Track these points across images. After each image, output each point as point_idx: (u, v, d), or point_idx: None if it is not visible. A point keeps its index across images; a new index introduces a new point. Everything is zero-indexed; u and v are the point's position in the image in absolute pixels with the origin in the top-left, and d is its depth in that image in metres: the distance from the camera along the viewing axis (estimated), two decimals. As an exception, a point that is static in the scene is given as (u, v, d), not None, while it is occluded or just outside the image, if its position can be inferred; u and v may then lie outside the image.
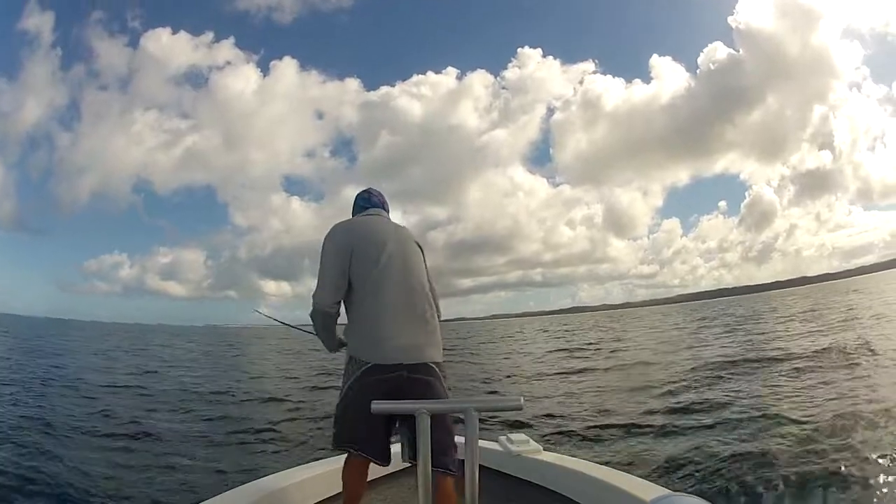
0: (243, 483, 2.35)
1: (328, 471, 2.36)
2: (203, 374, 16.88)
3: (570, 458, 2.75)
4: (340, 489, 2.19)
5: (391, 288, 2.05)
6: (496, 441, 2.84)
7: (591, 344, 23.35)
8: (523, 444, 2.73)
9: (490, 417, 7.14)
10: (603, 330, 36.61)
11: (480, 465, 1.52)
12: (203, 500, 2.09)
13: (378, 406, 1.76)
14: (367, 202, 2.32)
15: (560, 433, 7.04)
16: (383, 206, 2.33)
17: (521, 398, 1.48)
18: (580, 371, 13.77)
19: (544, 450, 2.74)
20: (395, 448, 2.02)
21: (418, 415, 1.48)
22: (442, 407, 1.64)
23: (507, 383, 13.23)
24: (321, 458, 2.68)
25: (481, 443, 2.14)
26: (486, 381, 13.47)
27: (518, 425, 6.92)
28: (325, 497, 2.33)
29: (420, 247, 2.22)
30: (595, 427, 7.25)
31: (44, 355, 21.17)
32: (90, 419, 8.19)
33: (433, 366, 2.02)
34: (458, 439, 1.92)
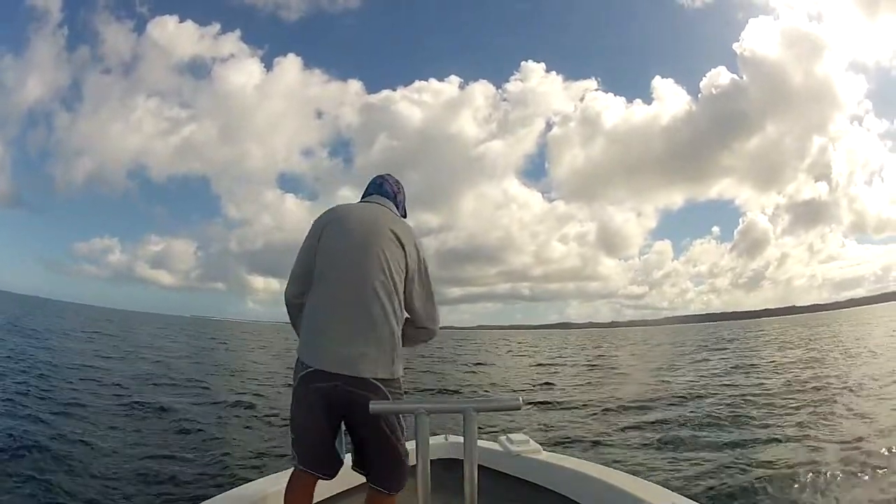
0: (242, 483, 2.34)
1: None
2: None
3: (570, 458, 2.74)
4: (340, 490, 2.19)
5: (337, 282, 1.78)
6: (496, 441, 2.83)
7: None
8: (523, 444, 2.72)
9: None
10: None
11: (480, 465, 1.52)
12: (202, 501, 2.08)
13: (376, 406, 1.76)
14: (377, 188, 2.05)
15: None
16: (393, 195, 2.04)
17: (520, 398, 1.48)
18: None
19: (544, 450, 2.73)
20: None
21: (417, 414, 1.48)
22: (441, 407, 1.63)
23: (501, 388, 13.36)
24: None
25: (481, 443, 2.14)
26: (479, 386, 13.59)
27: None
28: (325, 497, 2.32)
29: (403, 245, 1.85)
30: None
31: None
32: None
33: (376, 382, 1.73)
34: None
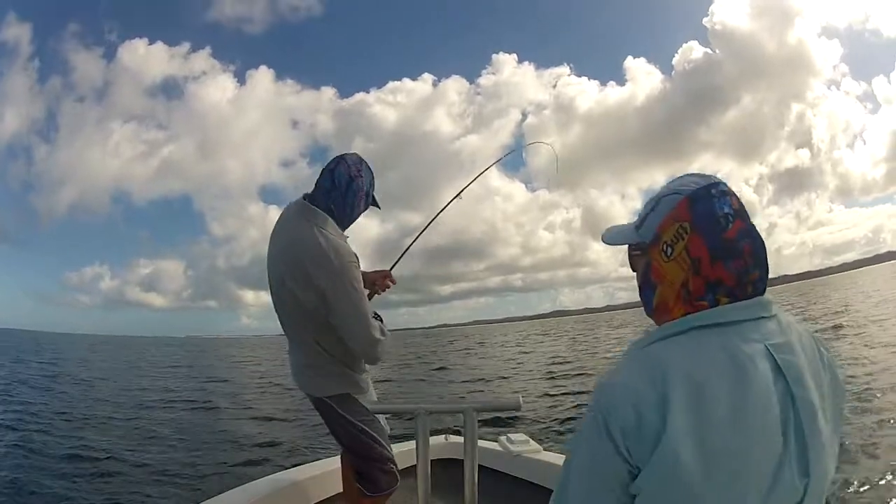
0: (243, 483, 2.34)
1: (328, 471, 2.35)
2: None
3: None
4: (340, 489, 2.19)
5: (278, 316, 1.89)
6: (496, 441, 2.83)
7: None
8: (523, 444, 2.71)
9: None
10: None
11: (480, 465, 1.52)
12: (203, 500, 2.08)
13: (375, 406, 1.77)
14: (325, 178, 1.81)
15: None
16: (344, 183, 1.79)
17: (520, 397, 1.47)
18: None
19: (544, 449, 2.73)
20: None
21: (417, 414, 1.48)
22: (441, 407, 1.64)
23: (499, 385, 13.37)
24: (321, 459, 2.67)
25: (481, 443, 2.13)
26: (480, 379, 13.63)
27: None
28: (325, 497, 2.32)
29: (299, 268, 1.71)
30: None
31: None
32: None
33: (325, 400, 1.85)
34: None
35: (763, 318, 0.77)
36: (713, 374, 0.70)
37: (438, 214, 2.28)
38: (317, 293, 1.70)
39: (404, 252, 2.16)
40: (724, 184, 0.81)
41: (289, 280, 1.74)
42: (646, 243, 0.84)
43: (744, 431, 0.68)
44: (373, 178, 1.87)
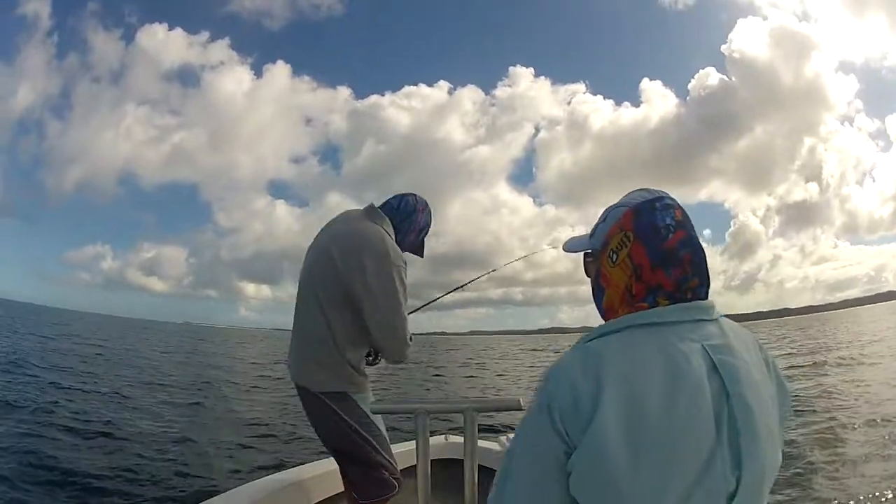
0: (244, 483, 2.34)
1: (328, 471, 2.36)
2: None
3: None
4: (341, 489, 2.21)
5: (298, 301, 1.91)
6: (496, 441, 2.83)
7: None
8: None
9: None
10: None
11: (480, 465, 1.53)
12: (203, 500, 2.09)
13: (376, 406, 1.78)
14: (395, 199, 1.99)
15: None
16: (407, 213, 1.96)
17: (521, 398, 1.48)
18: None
19: None
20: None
21: (417, 414, 1.50)
22: (441, 407, 1.65)
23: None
24: (321, 459, 2.68)
25: (481, 443, 2.13)
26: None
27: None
28: (326, 497, 2.33)
29: (339, 263, 1.78)
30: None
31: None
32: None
33: (320, 395, 1.82)
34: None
35: (703, 321, 0.82)
36: (645, 369, 0.75)
37: (462, 287, 2.46)
38: (362, 281, 1.75)
39: (423, 306, 2.28)
40: (671, 198, 0.89)
41: (338, 261, 1.79)
42: (597, 250, 0.93)
43: (673, 425, 0.73)
44: (430, 223, 2.05)
